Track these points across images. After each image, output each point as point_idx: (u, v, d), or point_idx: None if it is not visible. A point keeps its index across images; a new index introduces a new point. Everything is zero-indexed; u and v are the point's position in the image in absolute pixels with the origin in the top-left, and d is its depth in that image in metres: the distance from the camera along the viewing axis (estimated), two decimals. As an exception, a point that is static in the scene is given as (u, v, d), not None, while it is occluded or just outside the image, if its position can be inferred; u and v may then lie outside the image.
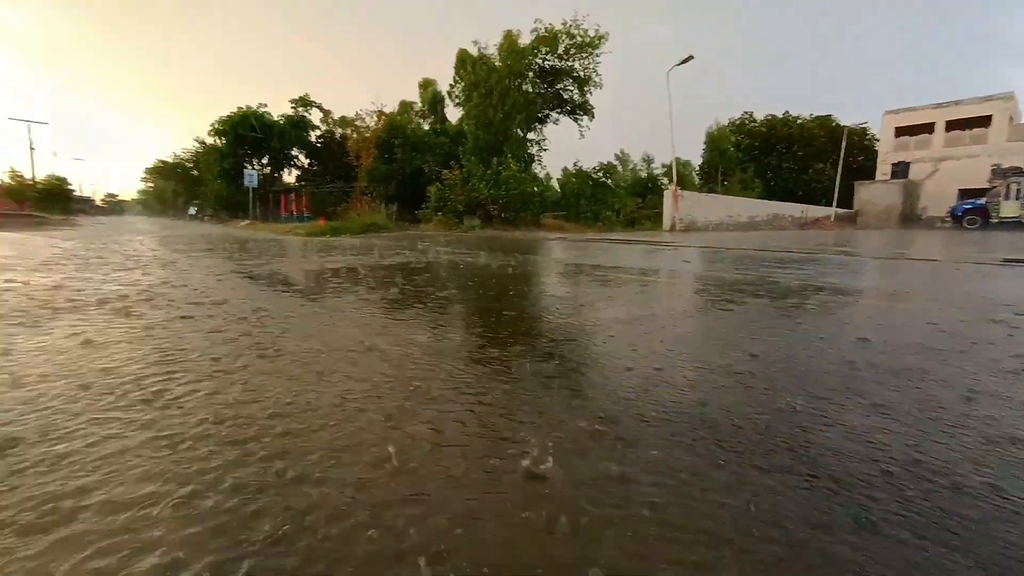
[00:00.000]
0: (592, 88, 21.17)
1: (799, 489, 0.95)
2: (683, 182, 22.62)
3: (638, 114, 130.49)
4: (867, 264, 6.16)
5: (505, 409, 1.33)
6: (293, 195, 29.49)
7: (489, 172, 17.22)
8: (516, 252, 8.02)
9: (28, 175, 38.04)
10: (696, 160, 37.73)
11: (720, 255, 7.64)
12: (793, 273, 4.85)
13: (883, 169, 30.93)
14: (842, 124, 31.99)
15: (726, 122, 34.46)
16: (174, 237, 12.84)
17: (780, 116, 33.73)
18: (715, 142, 32.61)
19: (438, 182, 17.85)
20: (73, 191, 46.82)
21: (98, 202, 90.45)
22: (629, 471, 1.01)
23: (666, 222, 17.92)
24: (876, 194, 29.35)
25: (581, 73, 20.86)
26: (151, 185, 69.00)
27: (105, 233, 14.04)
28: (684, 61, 17.58)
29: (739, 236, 14.35)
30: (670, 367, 1.72)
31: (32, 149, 35.68)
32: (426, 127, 25.58)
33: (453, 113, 25.68)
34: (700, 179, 36.14)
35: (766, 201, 24.61)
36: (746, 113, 35.07)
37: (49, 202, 37.43)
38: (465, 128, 20.93)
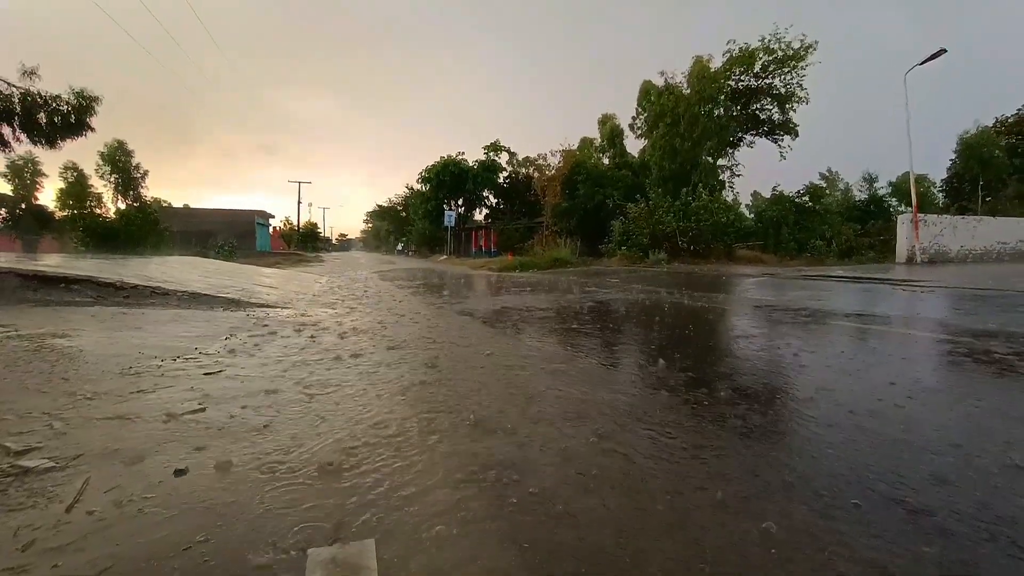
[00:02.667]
0: (795, 104, 18.97)
1: None
2: (922, 203, 18.24)
3: (852, 125, 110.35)
4: None
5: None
6: (482, 232, 32.64)
7: (677, 203, 16.43)
8: (720, 291, 7.30)
9: (294, 221, 49.93)
10: (937, 173, 30.52)
11: (1009, 298, 5.78)
12: None
13: None
14: None
15: (991, 122, 26.97)
16: (398, 272, 15.17)
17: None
18: (973, 149, 25.74)
19: (621, 216, 17.69)
20: (320, 233, 59.71)
21: (333, 240, 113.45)
22: None
23: (901, 253, 14.66)
24: None
25: (782, 90, 18.88)
26: (370, 225, 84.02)
27: (345, 269, 17.33)
28: (931, 57, 14.34)
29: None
30: None
31: (300, 203, 46.57)
32: (605, 161, 25.87)
33: (633, 145, 25.49)
34: (946, 196, 28.98)
35: (1072, 219, 18.20)
36: (1029, 105, 26.75)
37: (305, 242, 48.44)
38: (648, 159, 20.50)
